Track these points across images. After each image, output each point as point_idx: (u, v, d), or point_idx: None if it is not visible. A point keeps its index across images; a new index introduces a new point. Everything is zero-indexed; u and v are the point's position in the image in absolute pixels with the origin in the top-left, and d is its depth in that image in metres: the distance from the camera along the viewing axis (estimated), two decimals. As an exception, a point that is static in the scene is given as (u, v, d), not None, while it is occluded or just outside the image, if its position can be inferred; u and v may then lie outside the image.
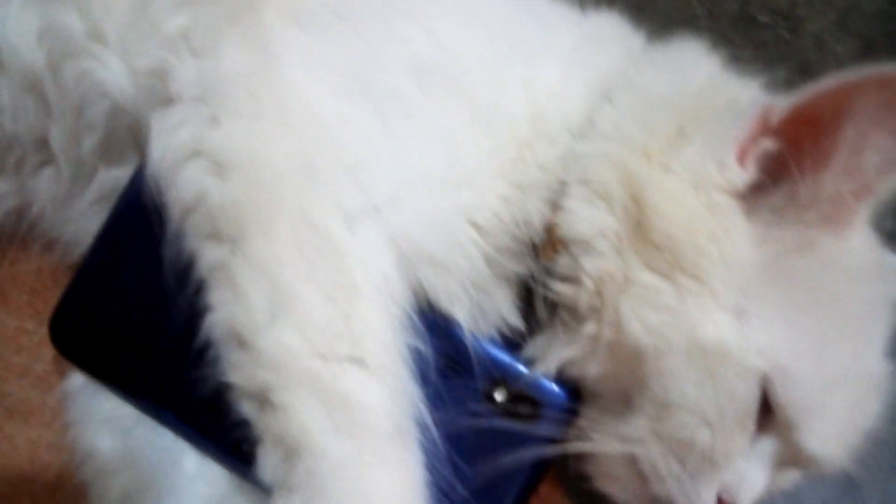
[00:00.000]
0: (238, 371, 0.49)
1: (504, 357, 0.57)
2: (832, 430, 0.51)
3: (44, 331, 0.66)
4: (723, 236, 0.49)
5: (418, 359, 0.54)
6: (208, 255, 0.50)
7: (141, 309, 0.57)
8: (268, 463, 0.48)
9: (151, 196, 0.53)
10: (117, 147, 0.60)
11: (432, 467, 0.54)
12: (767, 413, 0.51)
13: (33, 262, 0.70)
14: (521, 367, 0.57)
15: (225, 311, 0.49)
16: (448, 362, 0.57)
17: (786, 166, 0.50)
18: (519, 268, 0.56)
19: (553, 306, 0.55)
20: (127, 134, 0.59)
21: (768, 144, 0.50)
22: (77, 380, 0.60)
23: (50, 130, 0.60)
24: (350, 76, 0.53)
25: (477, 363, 0.57)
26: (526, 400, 0.57)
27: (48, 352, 0.67)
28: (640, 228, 0.51)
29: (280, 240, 0.49)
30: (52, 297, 0.67)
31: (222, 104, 0.51)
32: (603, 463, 0.56)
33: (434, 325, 0.56)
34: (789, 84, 0.54)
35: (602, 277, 0.51)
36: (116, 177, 0.60)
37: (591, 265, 0.52)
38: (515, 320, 0.57)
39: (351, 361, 0.49)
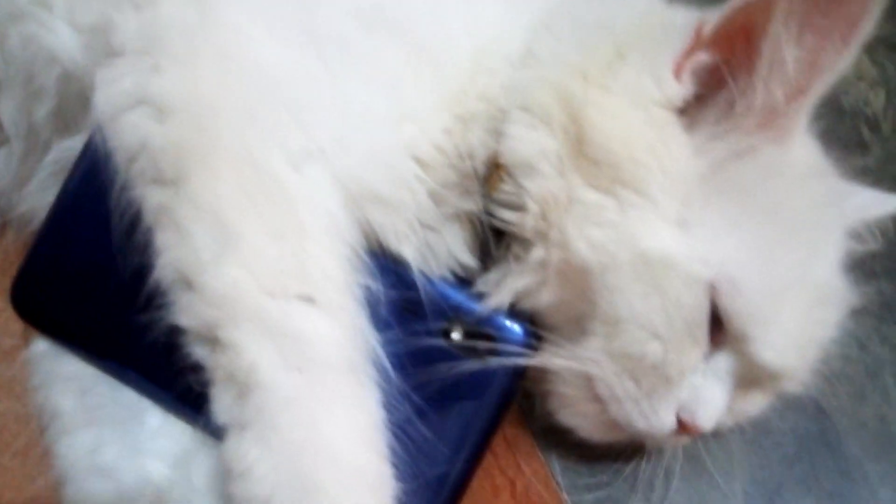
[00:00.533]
0: (187, 313, 0.48)
1: (457, 295, 0.57)
2: (786, 341, 0.51)
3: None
4: (661, 148, 0.49)
5: (372, 300, 0.54)
6: (152, 199, 0.50)
7: (98, 269, 0.56)
8: (221, 404, 0.48)
9: (103, 155, 0.53)
10: (70, 115, 0.59)
11: (392, 408, 0.54)
12: (721, 328, 0.51)
13: (-2, 242, 0.71)
14: (475, 305, 0.57)
15: (171, 254, 0.49)
16: (403, 304, 0.57)
17: (722, 78, 0.50)
18: (468, 205, 0.56)
19: (503, 240, 0.55)
20: (78, 101, 0.58)
21: (702, 57, 0.50)
22: (40, 345, 0.59)
23: (0, 104, 0.60)
24: (289, 20, 0.53)
25: (431, 303, 0.57)
26: (482, 337, 0.57)
27: (17, 327, 0.67)
28: (581, 148, 0.50)
29: (222, 179, 0.49)
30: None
31: (163, 52, 0.50)
32: (563, 393, 0.56)
33: (387, 267, 0.56)
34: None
35: (545, 198, 0.51)
36: (71, 147, 0.59)
37: (533, 187, 0.52)
38: (467, 259, 0.57)
39: (300, 298, 0.48)
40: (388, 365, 0.53)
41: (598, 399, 0.54)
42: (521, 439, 0.61)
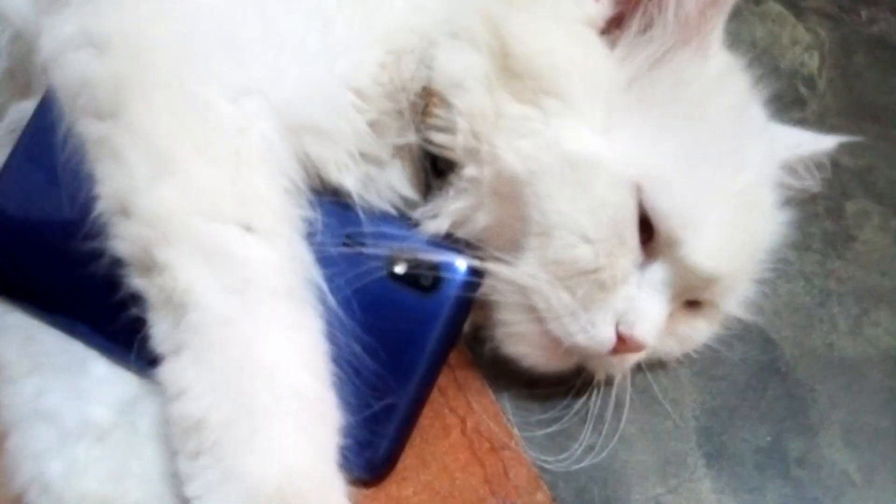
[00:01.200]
0: (124, 239, 0.49)
1: (400, 229, 0.58)
2: (716, 243, 0.52)
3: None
4: (583, 60, 0.51)
5: (315, 236, 0.55)
6: (92, 132, 0.50)
7: (44, 224, 0.57)
8: (159, 331, 0.48)
9: (55, 112, 0.54)
10: (24, 78, 0.60)
11: (337, 342, 0.54)
12: (652, 236, 0.52)
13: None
14: (418, 237, 0.58)
15: (109, 183, 0.49)
16: (346, 239, 0.58)
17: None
18: (407, 139, 0.57)
19: (441, 173, 0.57)
20: (30, 62, 0.60)
21: None
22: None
23: None
24: None
25: (373, 237, 0.58)
26: (426, 269, 0.58)
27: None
28: (505, 64, 0.52)
29: (158, 109, 0.49)
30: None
31: None
32: (505, 321, 0.56)
33: (329, 204, 0.57)
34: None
35: (474, 114, 0.52)
36: (26, 109, 0.61)
37: (462, 104, 0.53)
38: (409, 193, 0.58)
39: (237, 224, 0.48)
40: (331, 298, 0.53)
41: (537, 319, 0.54)
42: (472, 380, 0.61)
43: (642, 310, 0.53)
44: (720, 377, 0.61)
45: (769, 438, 0.58)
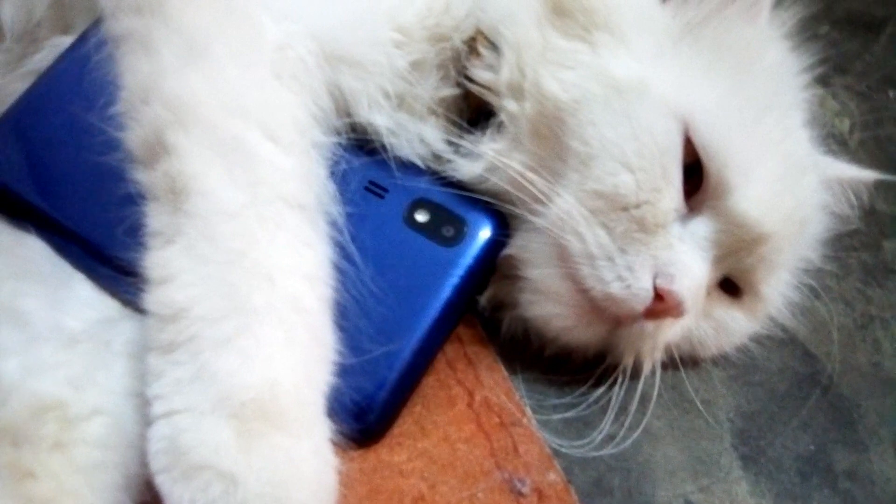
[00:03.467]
0: (138, 125, 0.46)
1: (426, 177, 0.55)
2: (765, 194, 0.49)
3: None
4: (637, 3, 0.51)
5: (342, 178, 0.52)
6: (127, 27, 0.49)
7: (62, 146, 0.54)
8: (155, 223, 0.44)
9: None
10: (69, 14, 0.60)
11: (347, 277, 0.50)
12: (699, 186, 0.49)
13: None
14: (446, 192, 0.55)
15: (135, 72, 0.47)
16: (371, 185, 0.55)
17: None
18: (449, 90, 0.56)
19: (476, 122, 0.55)
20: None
21: None
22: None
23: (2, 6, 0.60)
24: None
25: (400, 186, 0.55)
26: (449, 221, 0.54)
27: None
28: (556, 4, 0.52)
29: (200, 6, 0.48)
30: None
31: None
32: (534, 278, 0.52)
33: (358, 150, 0.55)
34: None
35: (521, 46, 0.51)
36: (63, 43, 0.61)
37: (510, 34, 0.52)
38: (441, 147, 0.56)
39: (259, 127, 0.46)
40: (345, 230, 0.50)
41: (570, 272, 0.50)
42: (484, 357, 0.55)
43: (683, 263, 0.49)
44: (757, 383, 0.55)
45: (812, 447, 0.52)
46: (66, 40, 0.60)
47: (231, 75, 0.47)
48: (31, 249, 0.52)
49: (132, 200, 0.46)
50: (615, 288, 0.48)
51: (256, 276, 0.43)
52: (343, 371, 0.47)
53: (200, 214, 0.43)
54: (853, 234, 0.65)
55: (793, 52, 0.56)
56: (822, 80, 0.86)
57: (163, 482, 0.39)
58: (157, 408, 0.40)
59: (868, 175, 0.65)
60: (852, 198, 0.64)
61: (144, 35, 0.48)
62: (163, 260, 0.43)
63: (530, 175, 0.51)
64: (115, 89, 0.49)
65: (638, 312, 0.49)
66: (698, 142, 0.48)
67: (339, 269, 0.49)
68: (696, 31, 0.51)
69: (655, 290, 0.48)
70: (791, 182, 0.51)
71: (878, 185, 0.68)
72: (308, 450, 0.41)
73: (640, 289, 0.48)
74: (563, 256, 0.50)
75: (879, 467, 0.51)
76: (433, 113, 0.56)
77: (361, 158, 0.55)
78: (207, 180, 0.43)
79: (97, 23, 0.53)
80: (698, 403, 0.54)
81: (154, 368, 0.41)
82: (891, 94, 0.85)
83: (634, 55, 0.50)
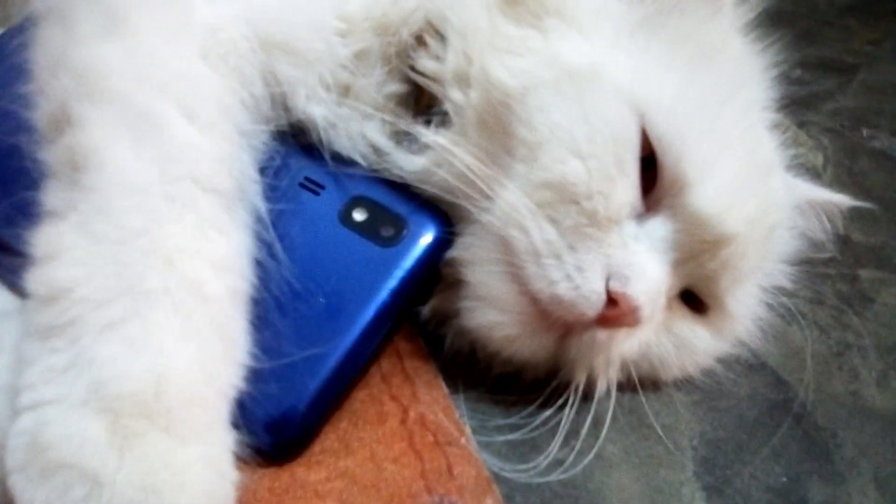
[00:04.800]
0: (45, 98, 0.42)
1: (366, 174, 0.51)
2: (723, 190, 0.45)
3: None
4: None
5: (273, 173, 0.48)
6: (48, 3, 0.45)
7: None
8: (50, 198, 0.40)
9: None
10: (9, 9, 0.59)
11: (270, 274, 0.45)
12: (655, 181, 0.45)
13: None
14: (386, 189, 0.51)
15: (48, 43, 0.44)
16: (306, 181, 0.51)
17: None
18: (390, 85, 0.52)
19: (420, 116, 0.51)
20: None
21: None
22: None
23: None
24: None
25: (336, 182, 0.51)
26: (389, 220, 0.50)
27: None
28: None
29: None
30: None
31: None
32: (478, 282, 0.47)
33: (295, 146, 0.51)
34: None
35: (468, 32, 0.48)
36: None
37: (458, 20, 0.49)
38: (382, 142, 0.52)
39: (178, 106, 0.42)
40: (268, 222, 0.46)
41: (515, 273, 0.45)
42: (423, 372, 0.49)
43: (639, 264, 0.44)
44: (724, 409, 0.50)
45: (784, 479, 0.46)
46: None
47: (150, 48, 0.43)
48: None
49: (33, 182, 0.42)
50: (563, 289, 0.44)
51: (153, 256, 0.38)
52: (258, 376, 0.42)
53: (98, 188, 0.39)
54: (828, 261, 0.61)
55: (756, 48, 0.53)
56: (796, 118, 0.85)
57: (16, 482, 0.33)
58: (25, 399, 0.35)
59: (841, 199, 0.61)
60: (826, 222, 0.61)
61: (65, 8, 0.45)
62: (50, 236, 0.38)
63: (475, 166, 0.47)
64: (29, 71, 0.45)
65: (589, 318, 0.44)
66: (653, 133, 0.44)
67: (261, 266, 0.45)
68: (655, 23, 0.48)
69: (608, 293, 0.44)
70: (754, 181, 0.47)
71: (854, 216, 0.65)
72: (197, 457, 0.36)
73: (590, 291, 0.43)
74: (507, 254, 0.45)
75: (859, 501, 0.45)
76: (379, 109, 0.53)
77: (297, 153, 0.52)
78: (110, 153, 0.39)
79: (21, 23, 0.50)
80: (658, 429, 0.48)
81: (28, 356, 0.36)
82: (864, 132, 0.83)
83: (589, 41, 0.46)
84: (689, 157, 0.44)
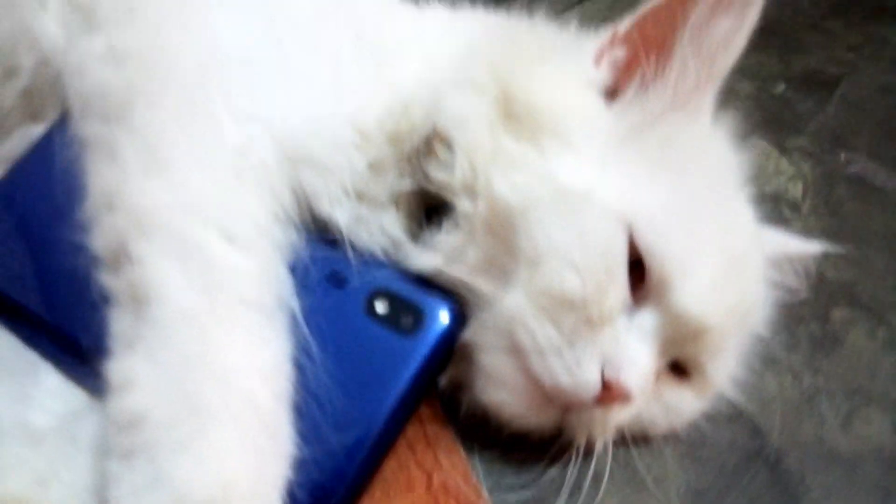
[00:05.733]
0: (103, 231, 0.48)
1: (386, 268, 0.57)
2: (706, 291, 0.52)
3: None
4: (582, 107, 0.55)
5: (301, 269, 0.54)
6: (94, 132, 0.51)
7: (33, 229, 0.56)
8: (118, 329, 0.46)
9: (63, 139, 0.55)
10: (39, 102, 0.62)
11: (306, 370, 0.52)
12: (642, 281, 0.52)
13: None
14: (403, 280, 0.57)
15: (99, 178, 0.50)
16: (331, 276, 0.57)
17: (636, 69, 0.56)
18: (404, 185, 0.58)
19: (434, 218, 0.57)
20: (49, 87, 0.61)
21: (618, 52, 0.57)
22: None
23: None
24: None
25: (360, 276, 0.57)
26: (408, 310, 0.56)
27: None
28: (507, 109, 0.55)
29: (164, 113, 0.51)
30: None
31: (133, 18, 0.55)
32: (487, 364, 0.54)
33: (318, 241, 0.57)
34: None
35: (473, 149, 0.54)
36: (32, 134, 0.62)
37: (463, 138, 0.55)
38: (400, 235, 0.58)
39: (218, 229, 0.48)
40: (304, 324, 0.52)
41: (520, 361, 0.52)
42: (442, 437, 0.57)
43: (629, 355, 0.51)
44: (706, 459, 0.58)
45: (759, 526, 0.54)
46: (36, 129, 0.62)
47: (192, 181, 0.50)
48: (7, 349, 0.54)
49: (98, 295, 0.49)
50: (564, 380, 0.51)
51: (212, 378, 0.45)
52: (301, 463, 0.49)
53: (159, 321, 0.45)
54: (802, 304, 0.68)
55: (733, 147, 0.58)
56: (777, 143, 0.91)
57: None
58: None
59: (815, 248, 0.68)
60: (801, 271, 0.67)
61: (110, 141, 0.51)
62: (123, 367, 0.45)
63: (482, 273, 0.54)
64: (81, 191, 0.51)
65: (586, 402, 0.52)
66: (640, 243, 0.51)
67: (297, 362, 0.52)
68: (641, 133, 0.54)
69: (603, 380, 0.51)
70: (733, 276, 0.54)
71: (827, 254, 0.71)
72: None
73: (587, 381, 0.51)
74: (514, 349, 0.53)
75: (822, 544, 0.53)
76: (392, 203, 0.59)
77: (322, 249, 0.58)
78: (167, 288, 0.46)
79: (64, 118, 0.56)
80: (649, 482, 0.56)
81: (113, 474, 0.43)
82: (842, 156, 0.88)
83: (580, 160, 0.53)
84: (671, 262, 0.51)
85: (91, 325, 0.48)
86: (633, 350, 0.52)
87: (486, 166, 0.54)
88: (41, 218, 0.56)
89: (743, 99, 0.96)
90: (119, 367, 0.45)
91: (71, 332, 0.52)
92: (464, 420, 0.58)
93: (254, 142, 0.53)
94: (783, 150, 0.88)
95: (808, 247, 0.68)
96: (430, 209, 0.59)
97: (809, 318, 0.69)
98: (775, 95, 0.97)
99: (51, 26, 0.60)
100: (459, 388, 0.59)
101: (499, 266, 0.54)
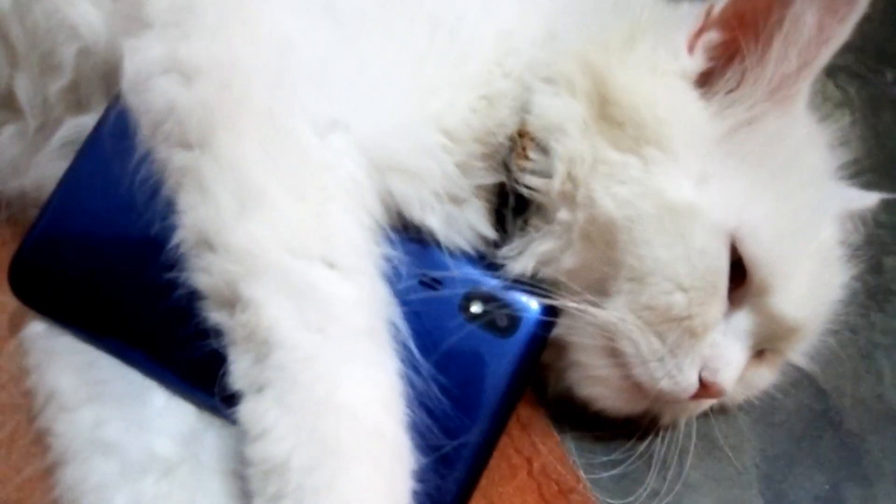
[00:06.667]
0: (208, 272, 0.48)
1: (480, 269, 0.58)
2: (802, 293, 0.54)
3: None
4: (682, 110, 0.53)
5: (394, 274, 0.54)
6: (177, 161, 0.49)
7: (106, 246, 0.55)
8: (239, 367, 0.47)
9: (118, 131, 0.53)
10: (84, 93, 0.59)
11: (411, 380, 0.53)
12: (739, 285, 0.53)
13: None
14: (497, 280, 0.58)
15: (193, 214, 0.48)
16: (425, 279, 0.58)
17: (733, 54, 0.54)
18: (490, 179, 0.58)
19: (524, 211, 0.57)
20: (94, 77, 0.58)
21: (713, 35, 0.54)
22: (37, 326, 0.57)
23: (16, 81, 0.59)
24: None
25: (453, 277, 0.58)
26: (503, 311, 0.57)
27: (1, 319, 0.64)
28: (604, 111, 0.53)
29: (246, 140, 0.49)
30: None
31: (192, 23, 0.52)
32: (583, 363, 0.56)
33: (410, 243, 0.57)
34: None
35: (572, 159, 0.53)
36: (82, 124, 0.59)
37: (561, 148, 0.54)
38: (488, 232, 0.58)
39: (322, 260, 0.48)
40: (408, 338, 0.53)
41: (620, 363, 0.55)
42: (536, 421, 0.61)
43: (726, 357, 0.54)
44: (777, 424, 0.63)
45: (827, 487, 0.60)
46: (84, 121, 0.60)
47: (289, 215, 0.49)
48: (101, 368, 0.55)
49: (192, 309, 0.49)
50: (665, 384, 0.54)
51: (342, 417, 0.46)
52: (417, 472, 0.52)
53: (284, 367, 0.46)
54: (856, 251, 0.70)
55: (829, 147, 0.58)
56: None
57: None
58: None
59: (873, 198, 0.69)
60: (858, 224, 0.69)
61: (196, 174, 0.49)
62: (256, 414, 0.46)
63: (576, 276, 0.55)
64: (163, 204, 0.51)
65: (683, 400, 0.55)
66: (745, 254, 0.52)
67: (404, 374, 0.53)
68: (740, 133, 0.53)
69: (701, 380, 0.54)
70: (824, 277, 0.56)
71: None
72: None
73: (687, 384, 0.54)
74: (614, 354, 0.55)
75: (885, 503, 0.59)
76: (478, 195, 0.58)
77: (414, 253, 0.58)
78: (284, 331, 0.46)
79: (111, 117, 0.54)
80: (728, 451, 0.61)
81: None
82: (888, 74, 0.87)
83: (683, 171, 0.52)
84: (774, 269, 0.53)
85: (188, 347, 0.49)
86: (729, 352, 0.54)
87: (586, 176, 0.53)
88: (111, 231, 0.55)
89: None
90: (252, 411, 0.46)
91: (165, 349, 0.53)
92: (551, 400, 0.62)
93: (340, 155, 0.51)
94: (829, 72, 0.86)
95: (867, 198, 0.70)
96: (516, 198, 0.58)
97: (864, 270, 0.71)
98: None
99: (89, 12, 0.56)
100: (546, 370, 0.62)
101: (596, 273, 0.55)
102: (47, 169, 0.61)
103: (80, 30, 0.56)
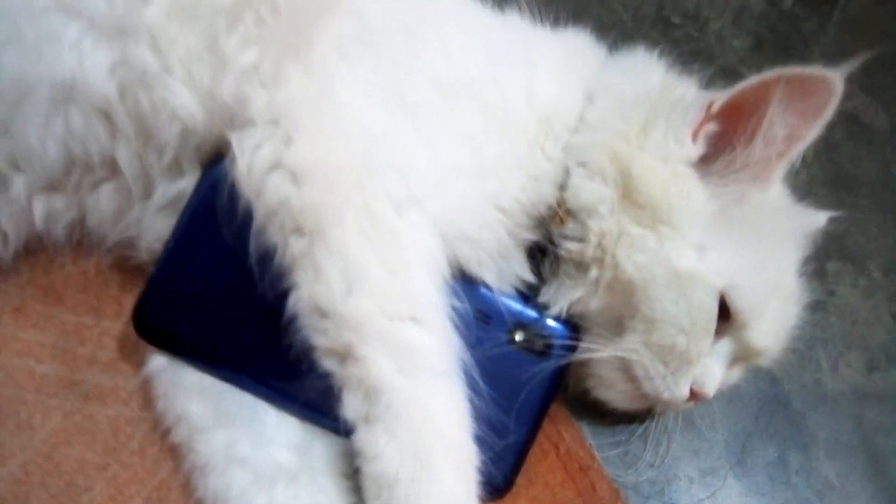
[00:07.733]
0: (323, 335, 0.61)
1: (521, 307, 0.73)
2: (771, 329, 0.72)
3: (104, 323, 0.76)
4: (686, 195, 0.68)
5: (457, 315, 0.68)
6: (293, 246, 0.61)
7: (219, 294, 0.68)
8: (351, 404, 0.62)
9: (223, 198, 0.64)
10: (180, 163, 0.70)
11: (474, 399, 0.68)
12: (724, 321, 0.70)
13: (80, 263, 0.77)
14: (534, 314, 0.73)
15: (307, 289, 0.61)
16: (478, 315, 0.72)
17: (725, 141, 0.69)
18: (532, 236, 0.72)
19: (558, 262, 0.72)
20: (191, 151, 0.69)
21: (712, 127, 0.69)
22: (159, 361, 0.70)
23: (117, 152, 0.68)
24: (386, 94, 0.66)
25: (499, 314, 0.73)
26: (539, 338, 0.73)
27: (109, 341, 0.75)
28: (628, 196, 0.68)
29: (349, 229, 0.61)
30: (103, 293, 0.77)
31: (292, 125, 0.62)
32: (602, 376, 0.73)
33: (466, 288, 0.71)
34: (706, 77, 0.75)
35: (603, 233, 0.68)
36: (177, 187, 0.70)
37: (595, 226, 0.69)
38: (529, 276, 0.73)
39: (411, 319, 0.62)
40: (472, 367, 0.68)
41: (632, 379, 0.72)
42: (558, 412, 0.78)
43: (711, 373, 0.72)
44: (740, 406, 0.82)
45: (776, 454, 0.80)
46: (183, 184, 0.70)
47: (386, 288, 0.62)
48: (223, 397, 0.69)
49: (293, 338, 0.63)
50: (664, 394, 0.71)
51: (434, 439, 0.62)
52: (482, 465, 0.69)
53: (390, 406, 0.61)
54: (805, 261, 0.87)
55: (799, 210, 0.74)
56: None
57: None
58: None
59: (822, 217, 0.85)
60: (816, 239, 0.85)
61: (310, 258, 0.61)
62: (370, 441, 0.61)
63: (598, 316, 0.71)
64: (278, 272, 0.63)
65: (678, 405, 0.73)
66: (731, 304, 0.68)
67: (468, 395, 0.69)
68: (731, 209, 0.68)
69: (691, 390, 0.72)
70: (787, 311, 0.73)
71: (824, 203, 0.88)
72: None
73: (682, 394, 0.72)
74: (627, 372, 0.72)
75: (816, 464, 0.79)
76: (522, 248, 0.73)
77: (471, 295, 0.72)
78: (388, 379, 0.61)
79: (211, 182, 0.66)
80: (703, 429, 0.80)
81: None
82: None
83: (688, 244, 0.67)
84: (751, 314, 0.69)
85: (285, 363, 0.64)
86: (714, 368, 0.72)
87: (613, 246, 0.68)
88: (220, 281, 0.68)
89: (756, 18, 1.04)
90: (367, 442, 0.61)
91: (273, 375, 0.68)
92: (570, 395, 0.79)
93: (419, 231, 0.64)
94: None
95: (818, 218, 0.86)
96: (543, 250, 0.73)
97: (811, 275, 0.89)
98: (784, 11, 1.05)
99: (185, 101, 0.66)
100: (571, 372, 0.78)
101: (616, 315, 0.71)
102: (146, 223, 0.72)
103: (181, 115, 0.66)
